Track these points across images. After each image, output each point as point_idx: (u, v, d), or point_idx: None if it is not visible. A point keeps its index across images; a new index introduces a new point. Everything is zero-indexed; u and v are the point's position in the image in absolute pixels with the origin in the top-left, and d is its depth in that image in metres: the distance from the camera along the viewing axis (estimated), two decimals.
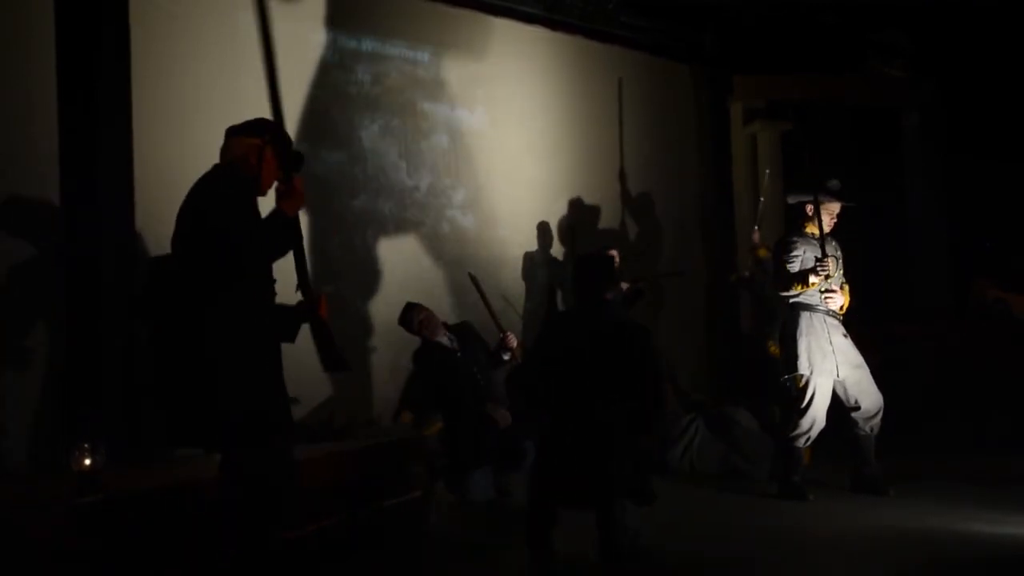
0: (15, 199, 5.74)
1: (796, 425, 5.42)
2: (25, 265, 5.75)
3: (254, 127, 3.46)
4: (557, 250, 8.65)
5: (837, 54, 9.88)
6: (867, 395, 5.42)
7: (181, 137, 6.52)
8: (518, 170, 8.61)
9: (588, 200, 9.02)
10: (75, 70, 5.87)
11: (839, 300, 5.56)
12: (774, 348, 7.33)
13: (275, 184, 3.36)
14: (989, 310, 7.84)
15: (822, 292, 5.53)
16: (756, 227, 8.02)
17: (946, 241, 10.12)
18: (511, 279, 8.46)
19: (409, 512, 4.66)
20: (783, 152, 9.89)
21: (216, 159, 3.52)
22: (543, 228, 8.61)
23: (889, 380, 5.81)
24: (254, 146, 3.39)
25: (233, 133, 3.49)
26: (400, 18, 7.95)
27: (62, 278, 5.81)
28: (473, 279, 6.54)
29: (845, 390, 5.44)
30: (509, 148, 8.60)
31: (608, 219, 9.21)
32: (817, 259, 5.46)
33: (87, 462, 3.56)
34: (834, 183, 5.61)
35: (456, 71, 8.31)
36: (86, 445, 3.57)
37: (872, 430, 5.45)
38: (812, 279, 5.45)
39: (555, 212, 8.83)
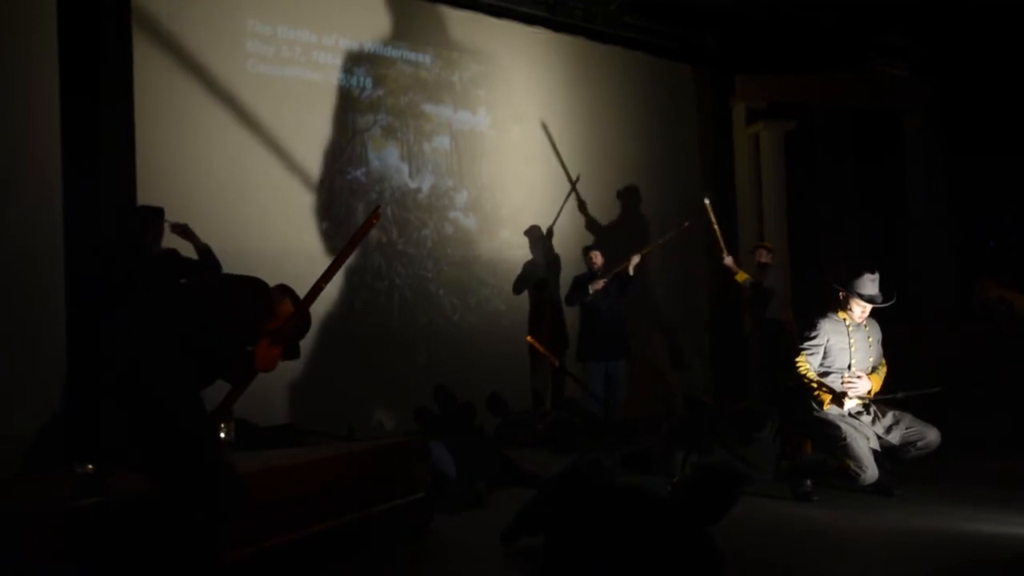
0: (16, 201, 5.76)
1: (849, 479, 5.23)
2: (26, 266, 5.77)
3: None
4: (560, 251, 8.67)
5: (839, 55, 9.89)
6: (923, 436, 5.25)
7: (182, 138, 6.55)
8: (520, 171, 8.62)
9: (590, 201, 9.02)
10: (77, 71, 5.91)
11: (863, 387, 5.28)
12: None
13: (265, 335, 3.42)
14: (992, 309, 7.82)
15: (843, 379, 5.30)
16: (727, 254, 8.35)
17: (949, 241, 10.11)
18: (515, 280, 8.47)
19: (411, 514, 4.66)
20: (785, 152, 9.93)
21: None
22: (547, 230, 8.63)
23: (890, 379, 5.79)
24: (283, 316, 3.49)
25: (285, 294, 3.57)
26: (402, 20, 7.96)
27: (63, 279, 5.84)
28: None
29: (898, 442, 5.29)
30: (511, 149, 8.61)
31: (610, 219, 9.21)
32: (838, 393, 5.24)
33: (88, 465, 3.57)
34: (870, 284, 5.30)
35: (458, 73, 8.32)
36: (88, 448, 3.58)
37: (912, 457, 5.35)
38: (826, 403, 5.26)
39: (558, 213, 8.83)
